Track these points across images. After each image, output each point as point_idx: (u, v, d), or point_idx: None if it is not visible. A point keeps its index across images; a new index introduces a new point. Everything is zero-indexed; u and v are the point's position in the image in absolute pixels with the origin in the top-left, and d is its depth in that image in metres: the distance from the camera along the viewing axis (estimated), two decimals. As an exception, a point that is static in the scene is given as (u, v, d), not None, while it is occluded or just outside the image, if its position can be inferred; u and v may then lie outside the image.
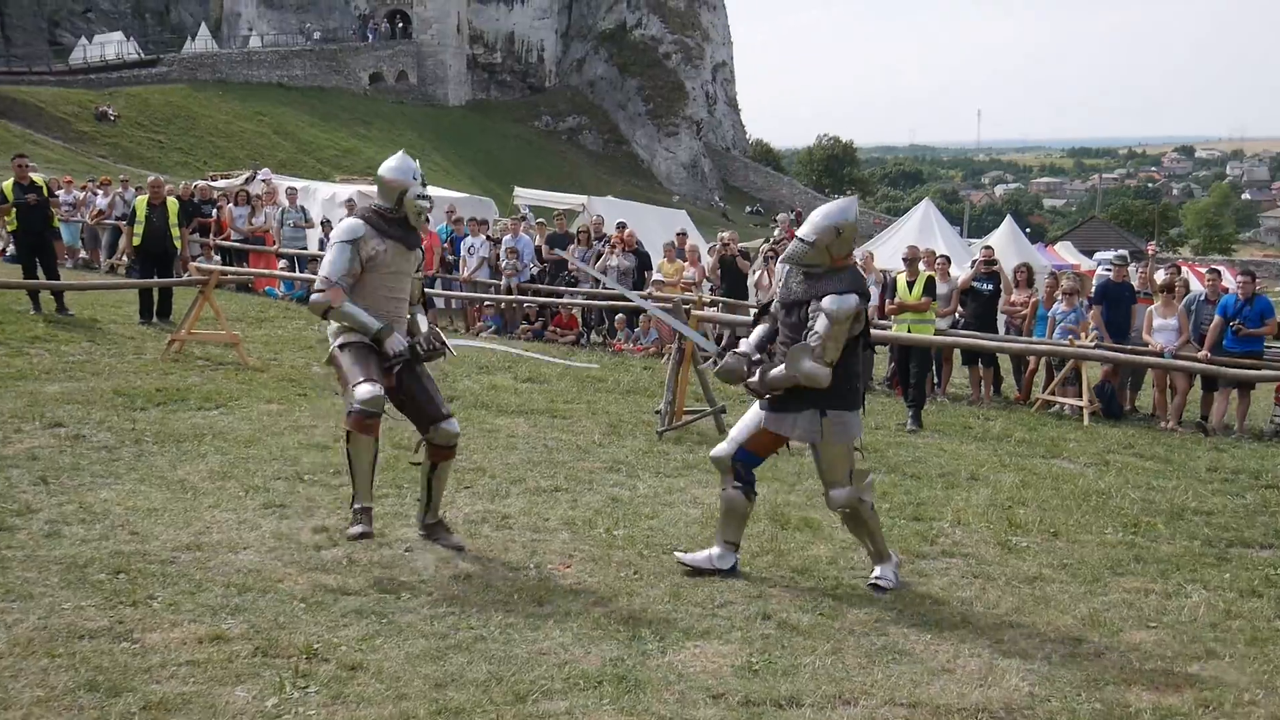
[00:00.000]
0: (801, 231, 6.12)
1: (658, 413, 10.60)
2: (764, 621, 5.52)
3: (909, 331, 12.59)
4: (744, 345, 6.48)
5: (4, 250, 22.51)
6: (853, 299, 5.97)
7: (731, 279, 16.55)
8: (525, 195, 31.02)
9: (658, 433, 10.15)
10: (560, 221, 19.50)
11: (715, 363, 6.75)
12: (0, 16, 71.35)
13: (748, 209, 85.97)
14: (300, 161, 56.73)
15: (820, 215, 6.14)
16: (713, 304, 15.68)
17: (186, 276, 16.11)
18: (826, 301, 5.96)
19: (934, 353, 13.54)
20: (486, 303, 17.97)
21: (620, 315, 17.10)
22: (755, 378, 6.21)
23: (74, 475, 7.44)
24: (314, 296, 6.38)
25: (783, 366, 6.06)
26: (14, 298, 15.23)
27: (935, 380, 14.14)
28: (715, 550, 6.31)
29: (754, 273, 16.42)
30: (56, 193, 18.97)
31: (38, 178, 15.74)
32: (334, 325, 6.46)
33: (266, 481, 7.63)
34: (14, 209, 15.01)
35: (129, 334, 14.18)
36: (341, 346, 6.39)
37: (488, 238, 19.04)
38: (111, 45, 66.90)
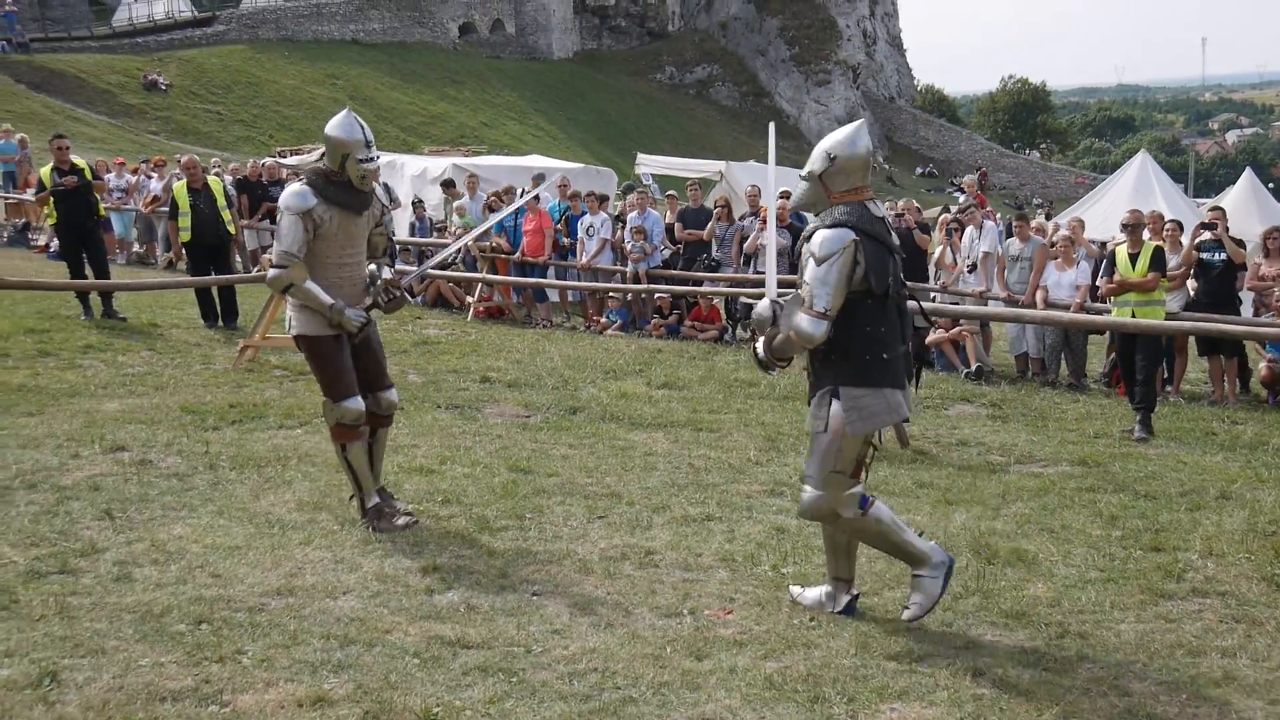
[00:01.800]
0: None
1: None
2: (975, 679, 5.42)
3: (1133, 316, 12.27)
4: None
5: (47, 246, 23.42)
6: (843, 234, 5.79)
7: (909, 257, 16.33)
8: (649, 163, 31.17)
9: (826, 447, 10.05)
10: (695, 193, 19.46)
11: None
12: (34, -26, 74.04)
13: (919, 170, 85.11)
14: (381, 131, 57.84)
15: (818, 144, 6.16)
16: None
17: (257, 271, 16.51)
18: (813, 239, 5.87)
19: (1164, 342, 13.19)
20: (611, 294, 18.04)
21: (771, 305, 17.01)
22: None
23: (142, 508, 7.66)
24: (272, 272, 7.44)
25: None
26: (61, 300, 15.80)
27: (1166, 375, 13.78)
28: (826, 588, 6.35)
29: (935, 249, 16.22)
30: (103, 176, 19.60)
31: (79, 160, 16.26)
32: (292, 306, 7.57)
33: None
34: (53, 198, 15.54)
35: (194, 340, 14.59)
36: (310, 338, 7.50)
37: (617, 216, 19.10)
38: (160, 3, 68.95)
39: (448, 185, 21.80)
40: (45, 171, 15.72)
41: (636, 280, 17.81)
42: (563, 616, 6.07)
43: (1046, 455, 10.35)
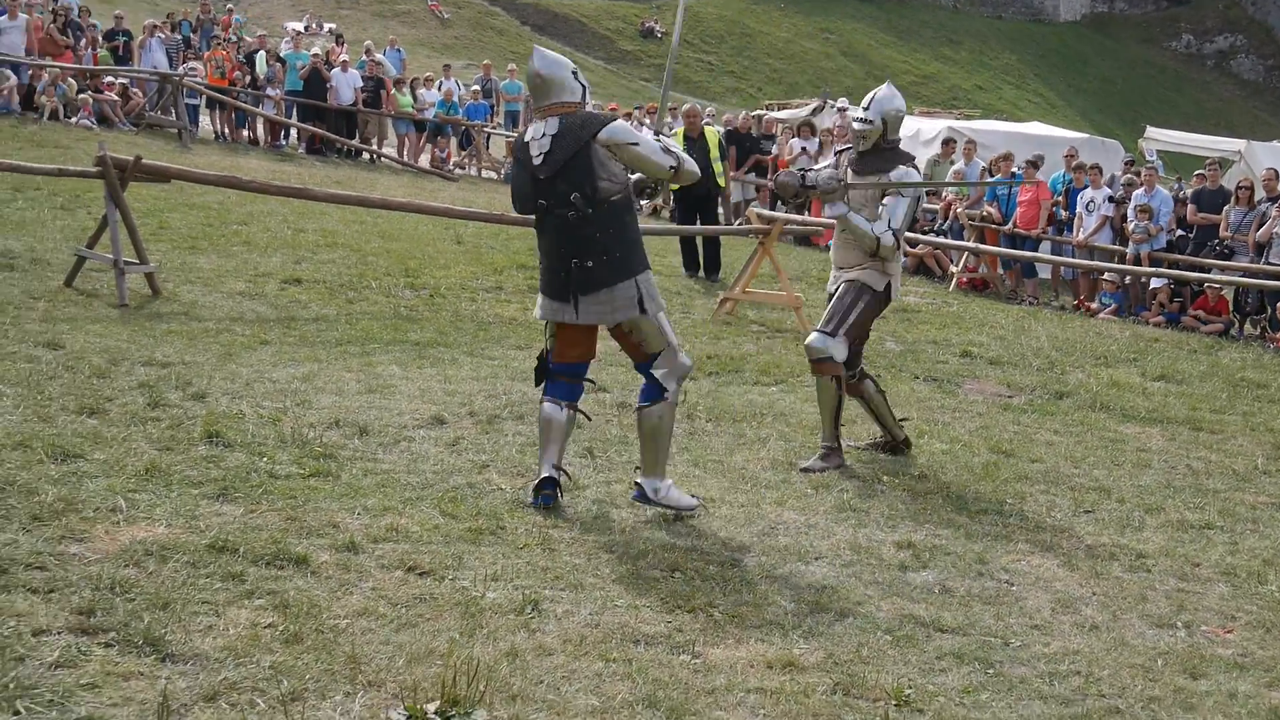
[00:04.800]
0: None
1: (1347, 436, 9.79)
2: None
3: None
4: None
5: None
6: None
7: None
8: (1158, 137, 29.73)
9: (1348, 464, 9.37)
10: (1213, 173, 18.42)
11: None
12: (546, -81, 78.09)
13: None
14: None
15: None
16: None
17: (739, 224, 16.86)
18: None
19: None
20: (1106, 275, 17.37)
21: (1287, 301, 15.96)
22: None
23: (621, 449, 7.95)
24: None
25: None
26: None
27: None
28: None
29: None
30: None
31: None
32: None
33: (837, 479, 7.80)
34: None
35: (675, 288, 15.03)
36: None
37: (1118, 196, 18.33)
38: (665, -50, 71.34)
39: (947, 143, 21.40)
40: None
41: (1137, 262, 17.08)
42: (1043, 612, 5.90)
43: None
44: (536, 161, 6.64)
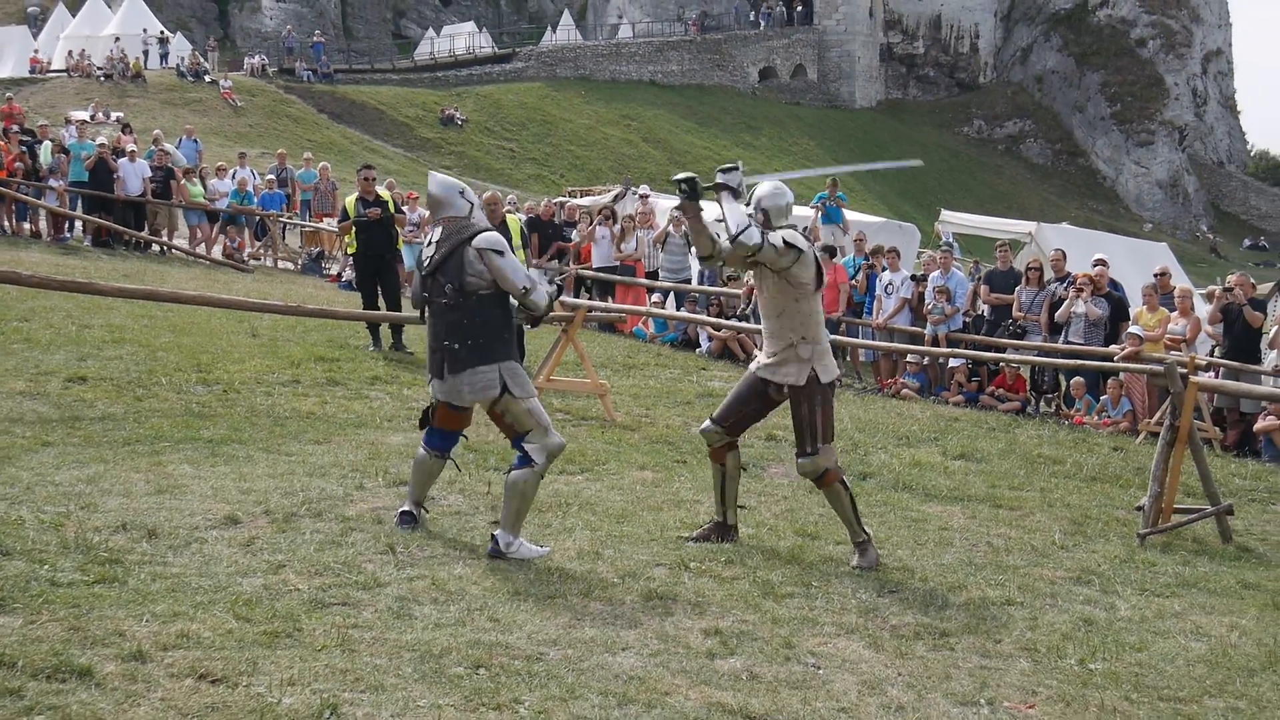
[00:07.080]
0: None
1: (1139, 509, 10.15)
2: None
3: None
4: None
5: (339, 276, 24.54)
6: None
7: (1238, 335, 15.69)
8: (953, 220, 30.83)
9: (1139, 535, 9.72)
10: (1004, 255, 19.14)
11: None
12: (342, 5, 78.18)
13: (1247, 242, 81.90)
14: (672, 174, 58.68)
15: None
16: (1209, 368, 14.96)
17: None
18: None
19: None
20: (909, 357, 17.84)
21: (1078, 379, 16.57)
22: None
23: (424, 545, 7.89)
24: None
25: None
26: (351, 330, 16.51)
27: None
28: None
29: (1270, 329, 15.52)
30: (403, 209, 20.41)
31: (383, 192, 17.01)
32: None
33: (644, 567, 7.82)
34: (355, 228, 16.25)
35: (478, 379, 14.97)
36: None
37: (917, 277, 18.92)
38: (461, 38, 71.85)
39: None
40: (350, 201, 16.46)
41: (935, 343, 17.59)
42: (850, 694, 5.98)
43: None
44: (426, 259, 8.08)
